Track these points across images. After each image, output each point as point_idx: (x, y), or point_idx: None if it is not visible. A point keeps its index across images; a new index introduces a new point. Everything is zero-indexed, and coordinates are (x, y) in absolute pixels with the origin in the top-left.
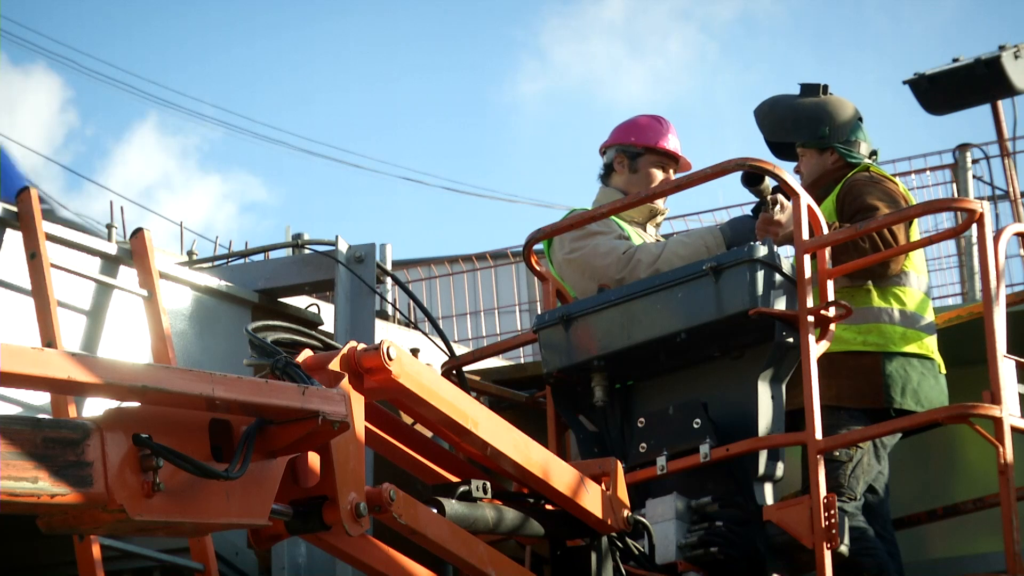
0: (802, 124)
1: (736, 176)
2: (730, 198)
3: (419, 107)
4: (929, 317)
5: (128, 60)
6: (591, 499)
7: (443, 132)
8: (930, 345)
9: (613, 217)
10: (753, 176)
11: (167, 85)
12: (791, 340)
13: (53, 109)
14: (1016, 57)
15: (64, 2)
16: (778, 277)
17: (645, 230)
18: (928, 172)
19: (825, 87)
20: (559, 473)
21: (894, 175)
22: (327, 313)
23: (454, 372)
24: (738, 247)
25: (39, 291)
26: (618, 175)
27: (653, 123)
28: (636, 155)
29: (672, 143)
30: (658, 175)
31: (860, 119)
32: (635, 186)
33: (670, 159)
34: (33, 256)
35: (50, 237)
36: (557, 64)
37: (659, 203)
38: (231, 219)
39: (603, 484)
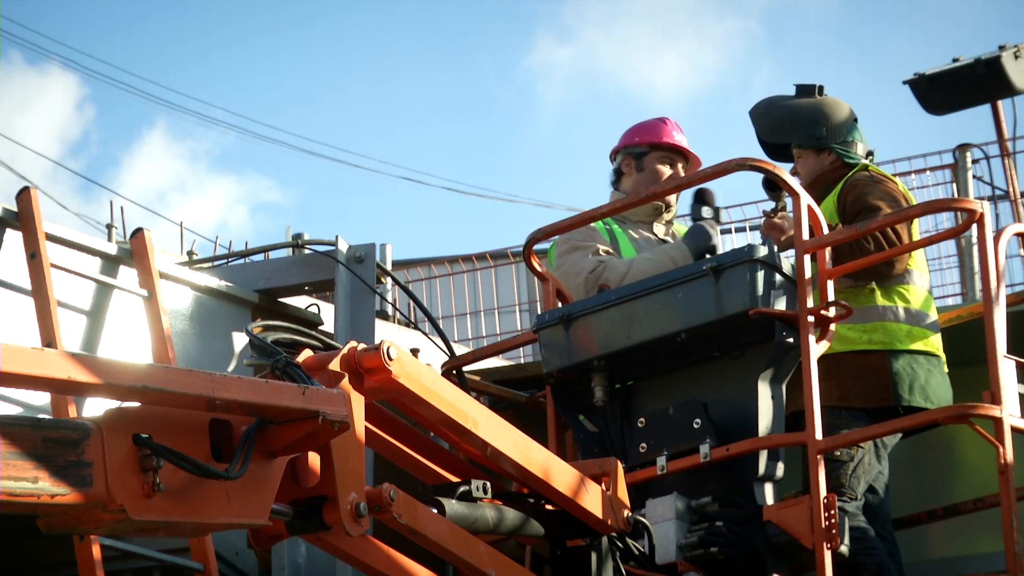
0: (799, 125)
1: (736, 176)
2: (730, 198)
3: (419, 107)
4: (933, 315)
5: (127, 61)
6: (591, 499)
7: (443, 132)
8: (935, 342)
9: (613, 222)
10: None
11: (168, 86)
12: (791, 340)
13: (65, 112)
14: (1016, 57)
15: (62, 4)
16: (778, 277)
17: (652, 229)
18: (928, 172)
19: (821, 88)
20: (559, 473)
21: (894, 175)
22: (327, 313)
23: (454, 372)
24: (737, 249)
25: (39, 291)
26: (627, 177)
27: (656, 122)
28: (642, 154)
29: (677, 138)
30: (665, 171)
31: (856, 119)
32: (643, 186)
33: (677, 155)
34: (33, 256)
35: (50, 237)
36: (555, 64)
37: (669, 199)
38: (243, 221)
39: (603, 484)
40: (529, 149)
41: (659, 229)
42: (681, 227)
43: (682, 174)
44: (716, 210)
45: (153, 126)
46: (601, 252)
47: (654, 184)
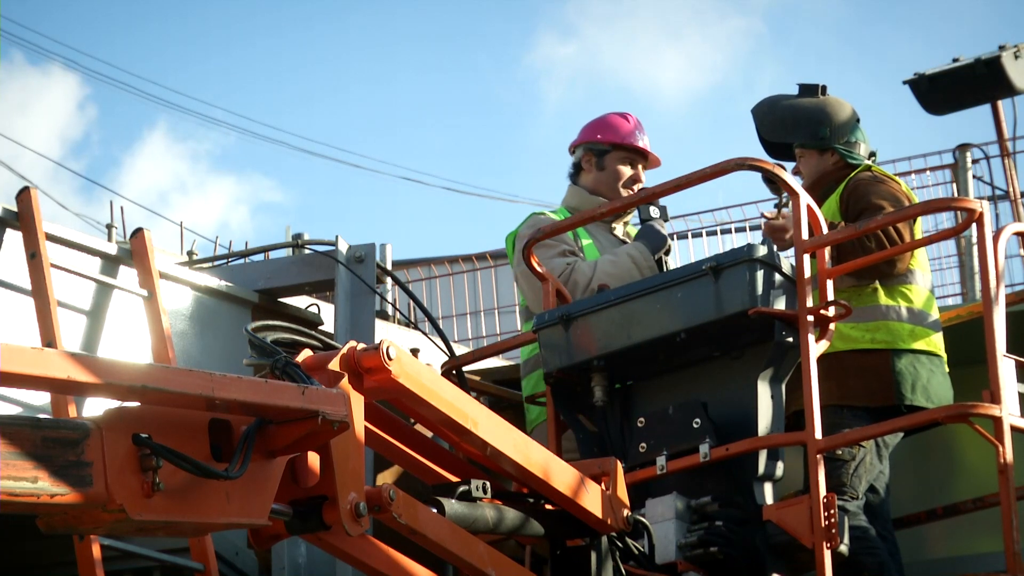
0: (802, 125)
1: (736, 176)
2: (730, 198)
3: (419, 107)
4: (935, 314)
5: (128, 61)
6: (591, 499)
7: (443, 132)
8: (937, 342)
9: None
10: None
11: (169, 87)
12: (791, 340)
13: (66, 112)
14: (1016, 57)
15: (63, 4)
16: (778, 277)
17: (612, 230)
18: (928, 172)
19: (823, 88)
20: (559, 473)
21: (895, 175)
22: (327, 313)
23: (454, 372)
24: (736, 249)
25: (39, 291)
26: (586, 173)
27: (618, 119)
28: (603, 152)
29: (639, 139)
30: (626, 171)
31: (858, 120)
32: (603, 184)
33: (638, 155)
34: (33, 256)
35: (50, 237)
36: (556, 62)
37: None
38: (244, 221)
39: (603, 484)
40: (530, 148)
41: (618, 230)
42: (632, 228)
43: (641, 173)
44: (662, 208)
45: (154, 126)
46: (566, 252)
47: (614, 182)
